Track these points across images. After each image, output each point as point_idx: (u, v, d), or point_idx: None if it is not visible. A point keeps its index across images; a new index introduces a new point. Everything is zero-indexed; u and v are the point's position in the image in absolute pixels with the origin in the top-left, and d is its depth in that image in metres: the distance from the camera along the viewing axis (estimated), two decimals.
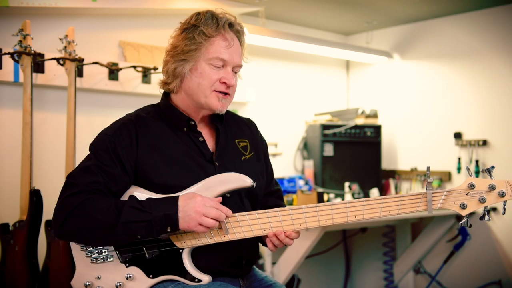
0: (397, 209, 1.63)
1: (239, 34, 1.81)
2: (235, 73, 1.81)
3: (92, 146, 1.74)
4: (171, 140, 1.77)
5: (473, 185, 1.59)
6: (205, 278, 1.70)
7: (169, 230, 1.62)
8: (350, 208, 1.65)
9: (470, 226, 1.60)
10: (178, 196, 1.64)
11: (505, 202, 1.58)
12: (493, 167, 1.58)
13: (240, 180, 1.68)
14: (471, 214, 1.62)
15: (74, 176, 1.69)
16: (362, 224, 3.82)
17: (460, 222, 1.61)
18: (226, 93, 1.78)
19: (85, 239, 1.68)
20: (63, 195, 1.67)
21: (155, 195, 1.70)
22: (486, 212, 1.59)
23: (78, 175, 1.69)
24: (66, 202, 1.64)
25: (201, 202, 1.61)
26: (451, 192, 1.61)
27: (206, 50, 1.73)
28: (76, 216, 1.62)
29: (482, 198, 1.57)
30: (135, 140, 1.72)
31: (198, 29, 1.74)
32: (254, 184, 1.69)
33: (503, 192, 1.56)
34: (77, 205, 1.62)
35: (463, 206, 1.59)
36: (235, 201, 1.78)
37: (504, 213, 1.59)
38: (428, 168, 1.61)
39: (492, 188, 1.57)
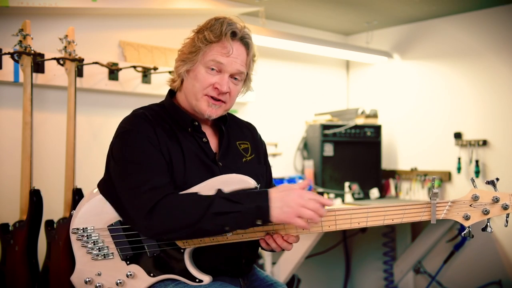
0: (400, 218, 1.63)
1: (247, 44, 1.79)
2: (236, 80, 1.79)
3: (127, 148, 1.70)
4: (177, 139, 1.77)
5: (477, 197, 1.59)
6: (206, 278, 1.71)
7: (259, 223, 1.60)
8: (353, 215, 1.65)
9: (473, 236, 1.61)
10: (267, 190, 1.61)
11: (507, 214, 1.58)
12: (497, 179, 1.58)
13: (243, 182, 1.67)
14: None
15: (136, 177, 1.65)
16: None
17: (463, 233, 1.62)
18: (218, 100, 1.76)
19: (173, 230, 1.61)
20: (136, 192, 1.62)
21: None
22: (488, 223, 1.60)
23: (137, 173, 1.65)
24: (146, 197, 1.60)
25: (300, 194, 1.59)
26: (455, 203, 1.61)
27: (204, 54, 1.74)
28: (165, 207, 1.59)
29: (486, 210, 1.58)
30: (154, 130, 1.72)
31: (203, 33, 1.75)
32: (258, 186, 1.69)
33: (506, 205, 1.56)
34: (160, 198, 1.59)
35: (467, 217, 1.60)
36: None
37: (507, 225, 1.60)
38: (433, 179, 1.61)
39: (496, 200, 1.57)
